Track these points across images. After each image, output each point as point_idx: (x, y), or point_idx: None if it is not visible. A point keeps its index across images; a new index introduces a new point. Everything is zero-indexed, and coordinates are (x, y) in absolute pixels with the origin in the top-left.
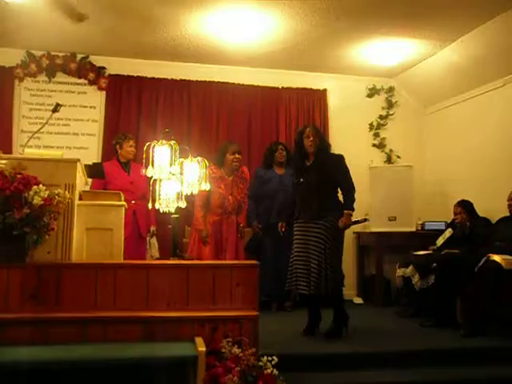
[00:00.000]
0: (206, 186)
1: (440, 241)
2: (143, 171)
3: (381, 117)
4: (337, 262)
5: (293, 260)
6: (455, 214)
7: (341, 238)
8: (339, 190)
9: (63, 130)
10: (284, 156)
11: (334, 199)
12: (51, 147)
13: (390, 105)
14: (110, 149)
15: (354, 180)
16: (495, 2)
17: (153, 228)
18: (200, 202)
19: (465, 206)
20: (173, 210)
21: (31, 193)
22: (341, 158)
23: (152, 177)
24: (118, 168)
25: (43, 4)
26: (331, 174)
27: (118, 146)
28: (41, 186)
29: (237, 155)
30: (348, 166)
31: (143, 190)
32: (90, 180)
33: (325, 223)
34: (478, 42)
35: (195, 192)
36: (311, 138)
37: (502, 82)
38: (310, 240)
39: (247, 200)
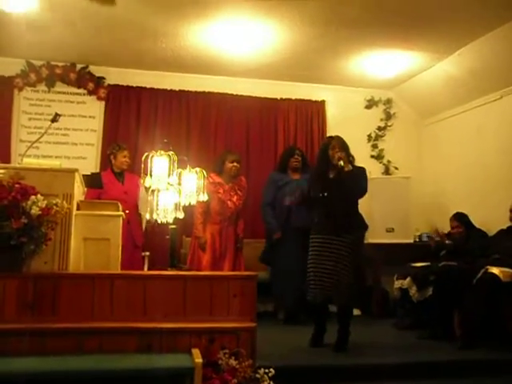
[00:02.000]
0: (204, 197)
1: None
2: (141, 181)
3: (379, 128)
4: (354, 278)
5: (310, 271)
6: (452, 227)
7: (362, 253)
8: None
9: (62, 139)
10: (300, 162)
11: (358, 214)
12: (50, 157)
13: (389, 116)
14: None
15: None
16: (492, 15)
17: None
18: (200, 209)
19: (460, 219)
20: (170, 221)
21: (29, 203)
22: (363, 170)
23: (150, 187)
24: (112, 178)
25: (44, 13)
26: (354, 187)
27: (112, 157)
28: (39, 195)
29: (235, 163)
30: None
31: (137, 200)
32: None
33: (349, 238)
34: (475, 55)
35: (193, 203)
36: (337, 149)
37: (499, 94)
38: (332, 253)
39: (243, 208)
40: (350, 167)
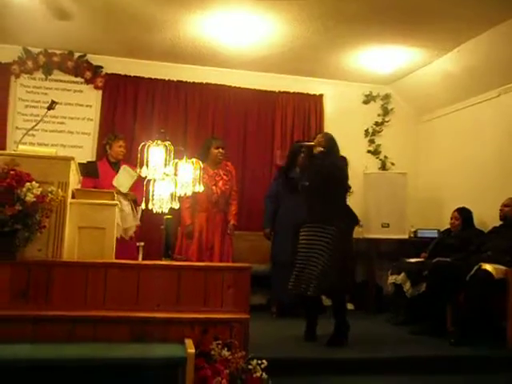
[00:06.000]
0: (200, 188)
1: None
2: (137, 171)
3: (376, 123)
4: (341, 267)
5: (297, 263)
6: (451, 218)
7: (348, 246)
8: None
9: (58, 127)
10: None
11: (340, 204)
12: (45, 145)
13: (386, 112)
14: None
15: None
16: (492, 13)
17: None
18: (187, 199)
19: (461, 212)
20: (166, 211)
21: (24, 189)
22: (339, 162)
23: (146, 177)
24: (107, 168)
25: (40, 1)
26: (333, 177)
27: (107, 146)
28: (34, 183)
29: (221, 150)
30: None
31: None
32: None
33: (329, 229)
34: (474, 53)
35: (189, 193)
36: (319, 141)
37: (496, 92)
38: (310, 244)
39: (236, 197)
40: (320, 149)
